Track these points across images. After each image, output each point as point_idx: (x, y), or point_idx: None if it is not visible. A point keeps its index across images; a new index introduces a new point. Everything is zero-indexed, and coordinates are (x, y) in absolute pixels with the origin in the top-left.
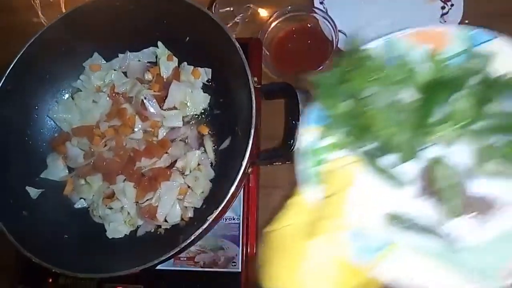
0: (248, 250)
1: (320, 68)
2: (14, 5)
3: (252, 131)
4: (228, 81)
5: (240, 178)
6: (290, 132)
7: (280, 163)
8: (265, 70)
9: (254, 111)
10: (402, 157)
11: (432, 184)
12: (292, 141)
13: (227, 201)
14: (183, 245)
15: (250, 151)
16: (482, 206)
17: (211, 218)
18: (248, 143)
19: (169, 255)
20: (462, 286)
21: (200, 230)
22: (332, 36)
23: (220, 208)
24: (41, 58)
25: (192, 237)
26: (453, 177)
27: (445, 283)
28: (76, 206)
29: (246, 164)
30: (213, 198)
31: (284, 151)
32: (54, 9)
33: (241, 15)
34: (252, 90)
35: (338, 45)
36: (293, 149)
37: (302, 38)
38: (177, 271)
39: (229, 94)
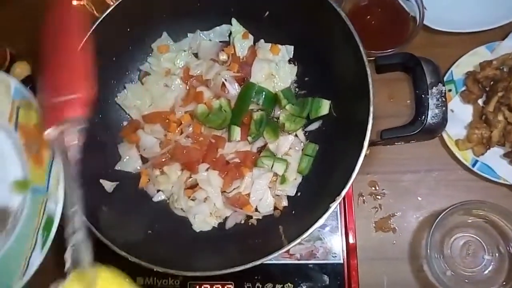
0: (350, 240)
1: (398, 46)
2: None
3: (371, 108)
4: (319, 56)
5: (361, 162)
6: (420, 107)
7: (402, 143)
8: None
9: (371, 87)
10: None
11: None
12: (424, 116)
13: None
14: (302, 237)
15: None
16: None
17: (333, 206)
18: (367, 123)
19: (280, 252)
20: None
21: (319, 222)
22: (415, 11)
23: (342, 194)
24: (107, 39)
25: (312, 229)
26: None
27: None
28: (154, 199)
29: (368, 146)
30: (311, 184)
31: (414, 128)
32: None
33: None
34: (366, 63)
35: (424, 22)
36: (425, 126)
37: (378, 12)
38: (271, 265)
39: (318, 71)
